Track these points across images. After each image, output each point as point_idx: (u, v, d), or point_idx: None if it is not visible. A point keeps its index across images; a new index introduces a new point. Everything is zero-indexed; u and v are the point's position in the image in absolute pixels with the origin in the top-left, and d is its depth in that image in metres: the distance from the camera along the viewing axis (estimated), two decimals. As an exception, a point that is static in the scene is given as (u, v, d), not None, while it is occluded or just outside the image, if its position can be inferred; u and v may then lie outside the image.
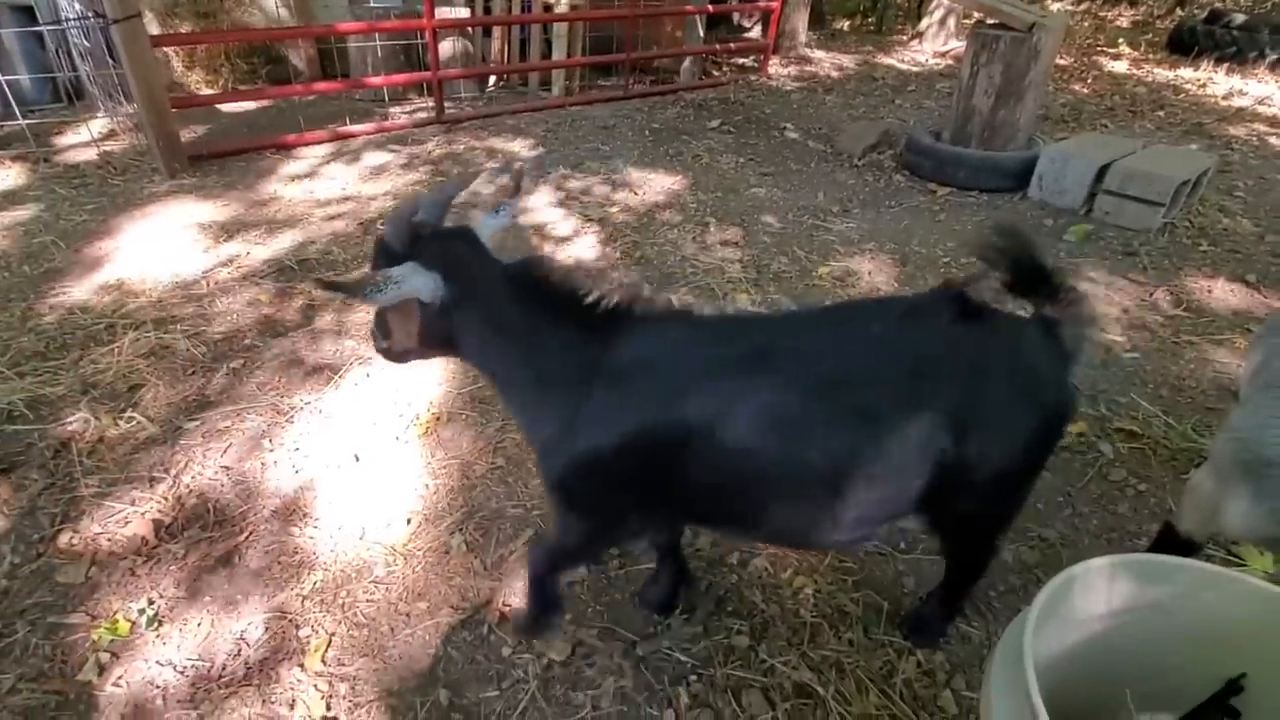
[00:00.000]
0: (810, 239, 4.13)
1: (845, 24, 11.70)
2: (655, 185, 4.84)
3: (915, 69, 8.72)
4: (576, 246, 3.95)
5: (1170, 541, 1.83)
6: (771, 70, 8.12)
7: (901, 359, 1.32)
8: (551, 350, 1.39)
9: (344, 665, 1.79)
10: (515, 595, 1.96)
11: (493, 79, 7.18)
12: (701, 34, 7.84)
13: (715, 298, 3.44)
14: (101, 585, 1.97)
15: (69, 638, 1.84)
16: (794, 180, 5.04)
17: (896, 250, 3.99)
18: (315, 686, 1.74)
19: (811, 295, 3.50)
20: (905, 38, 10.46)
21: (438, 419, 2.62)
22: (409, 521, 2.20)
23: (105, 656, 1.80)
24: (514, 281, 1.41)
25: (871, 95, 7.48)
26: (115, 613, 1.90)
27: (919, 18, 10.52)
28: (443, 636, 1.87)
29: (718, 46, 8.17)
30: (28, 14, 5.52)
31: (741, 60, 8.71)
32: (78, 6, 5.31)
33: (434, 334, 1.44)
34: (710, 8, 7.77)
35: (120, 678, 1.76)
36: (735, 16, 9.62)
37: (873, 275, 3.72)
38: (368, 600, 1.96)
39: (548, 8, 6.96)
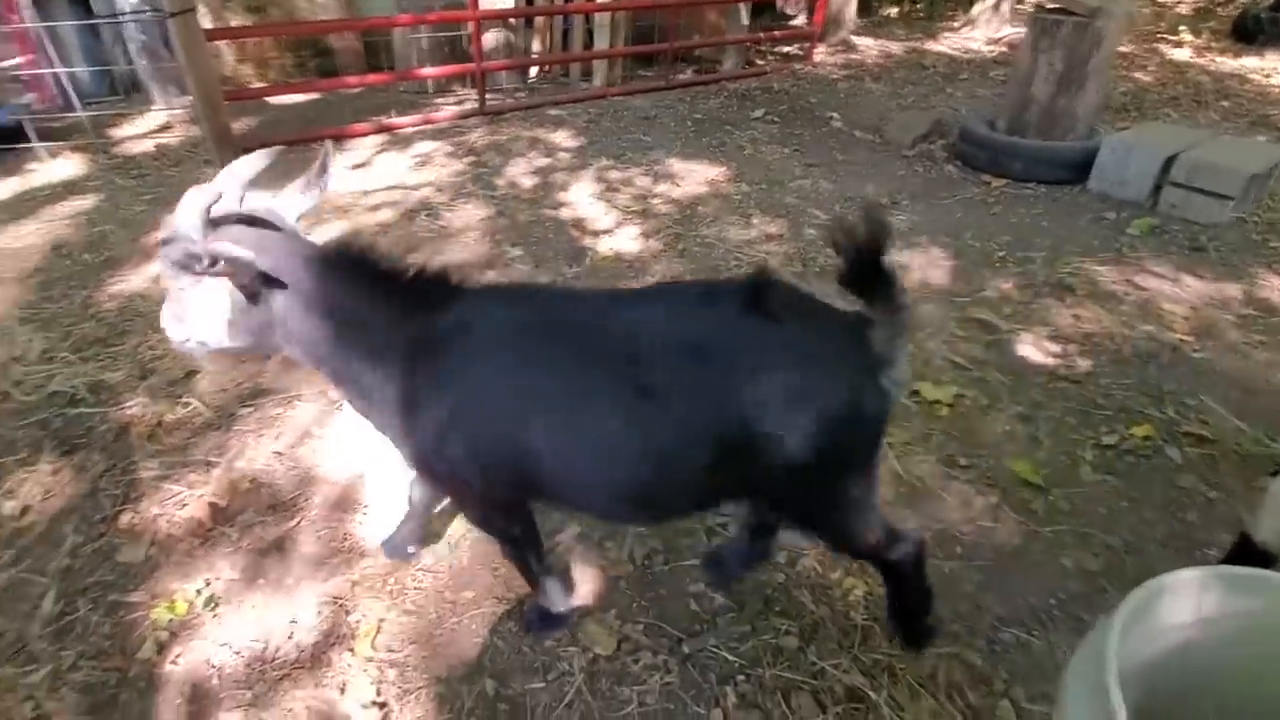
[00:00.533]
0: (858, 232, 4.03)
1: (893, 10, 11.39)
2: (698, 176, 4.78)
3: (967, 56, 8.45)
4: (617, 239, 3.92)
5: (1246, 552, 1.73)
6: (817, 58, 7.95)
7: (683, 341, 1.33)
8: (376, 330, 1.39)
9: (393, 651, 1.81)
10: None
11: (534, 70, 7.18)
12: (746, 22, 7.70)
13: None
14: (160, 565, 2.03)
15: (129, 616, 1.90)
16: (841, 171, 4.93)
17: (949, 244, 3.87)
18: (365, 671, 1.76)
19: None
20: (956, 24, 10.12)
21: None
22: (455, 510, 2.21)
23: (164, 635, 1.84)
24: (330, 262, 1.39)
25: (921, 83, 7.27)
26: (174, 593, 1.95)
27: (971, 3, 10.18)
28: (489, 626, 1.87)
29: (762, 35, 8.03)
30: (83, 6, 5.70)
31: (786, 48, 8.55)
32: (133, 0, 5.47)
33: (245, 323, 1.39)
34: (753, -6, 7.64)
35: (178, 656, 1.80)
36: (779, 3, 9.45)
37: (924, 269, 3.62)
38: (415, 588, 1.97)
39: (590, -3, 6.92)
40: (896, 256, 3.72)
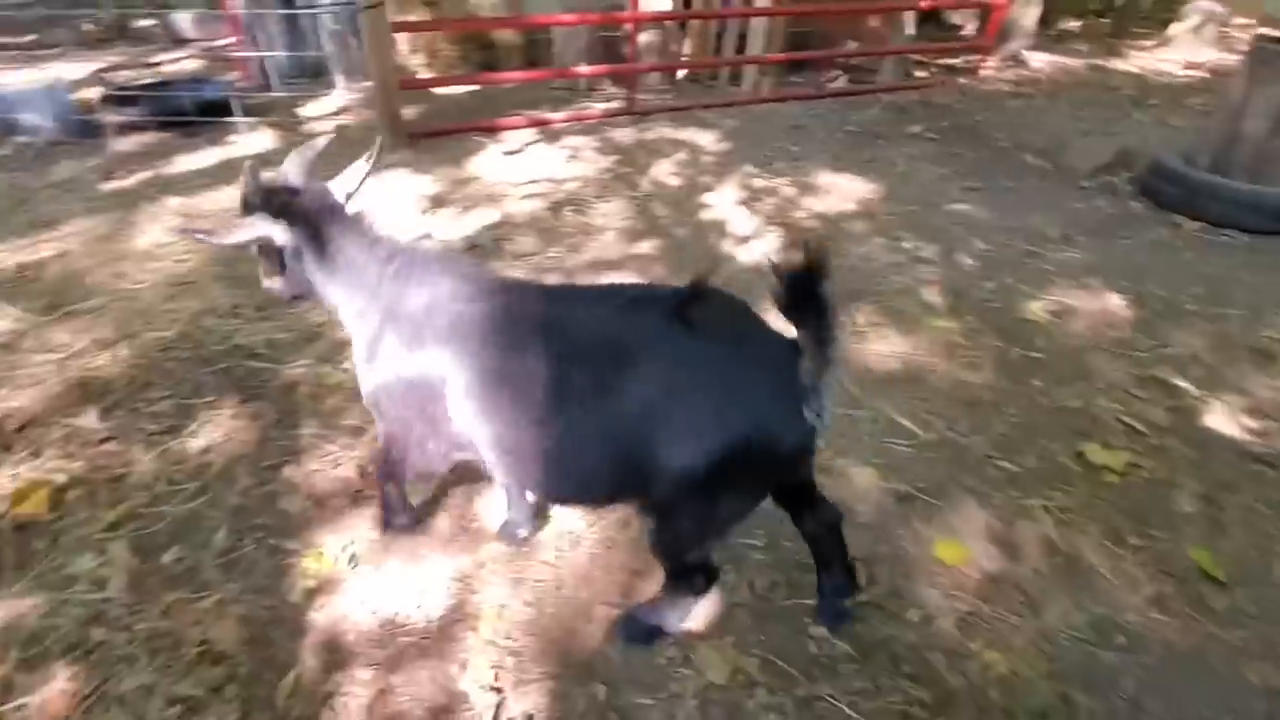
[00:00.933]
0: (1021, 266, 3.73)
1: (1075, 24, 10.46)
2: (845, 191, 4.60)
3: (1160, 80, 7.62)
4: (756, 249, 3.84)
5: None
6: (984, 73, 7.44)
7: (605, 342, 1.44)
8: (363, 292, 1.68)
9: (511, 639, 1.86)
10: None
11: (682, 71, 7.20)
12: (912, 32, 7.33)
13: (904, 321, 3.21)
14: (314, 519, 2.19)
15: (284, 560, 2.07)
16: (1006, 199, 4.58)
17: (1129, 289, 3.49)
18: (485, 654, 1.82)
19: (1020, 331, 3.16)
20: (1149, 43, 9.17)
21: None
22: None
23: (311, 584, 1.99)
24: (349, 232, 1.69)
25: (1105, 107, 6.62)
26: (322, 546, 2.10)
27: (1167, 22, 9.17)
28: (603, 631, 1.88)
29: (931, 45, 7.61)
30: (285, -2, 6.34)
31: (950, 61, 8.06)
32: (333, -8, 5.99)
33: (291, 275, 1.74)
34: (924, 3, 7.25)
35: (322, 606, 1.94)
36: (946, 12, 8.93)
37: (1097, 316, 3.29)
38: (535, 580, 2.02)
39: (747, 1, 6.83)
40: (1064, 299, 3.41)
